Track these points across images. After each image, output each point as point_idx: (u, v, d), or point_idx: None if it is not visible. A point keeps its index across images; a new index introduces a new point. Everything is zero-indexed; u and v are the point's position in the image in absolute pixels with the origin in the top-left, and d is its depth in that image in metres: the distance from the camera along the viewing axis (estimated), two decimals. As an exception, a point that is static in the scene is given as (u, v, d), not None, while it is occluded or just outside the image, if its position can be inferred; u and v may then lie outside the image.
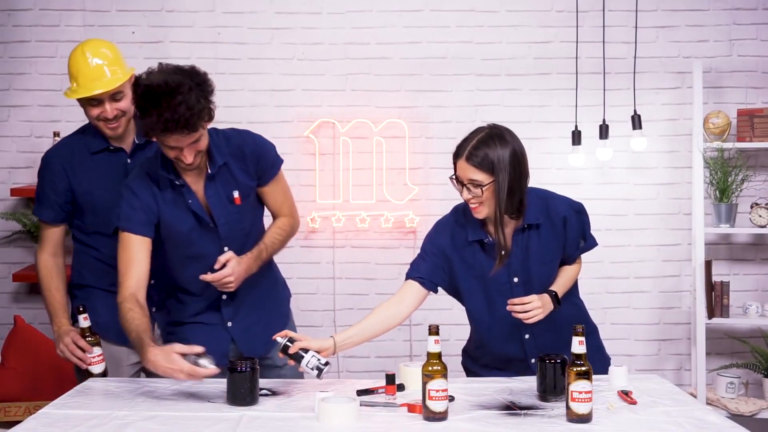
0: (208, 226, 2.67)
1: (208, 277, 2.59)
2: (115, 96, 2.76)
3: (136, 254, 2.59)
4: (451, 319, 4.12)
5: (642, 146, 4.33)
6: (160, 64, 2.54)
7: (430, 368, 2.23)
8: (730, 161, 4.28)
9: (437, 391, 2.22)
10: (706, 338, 4.23)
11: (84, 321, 2.69)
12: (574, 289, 2.75)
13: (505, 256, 2.57)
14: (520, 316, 2.53)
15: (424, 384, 2.24)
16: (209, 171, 2.64)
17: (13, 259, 4.43)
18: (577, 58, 4.40)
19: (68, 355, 2.71)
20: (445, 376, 2.23)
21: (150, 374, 2.95)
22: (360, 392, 2.48)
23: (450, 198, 4.42)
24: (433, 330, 2.25)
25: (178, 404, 2.41)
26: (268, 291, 2.89)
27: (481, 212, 2.53)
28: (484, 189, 2.47)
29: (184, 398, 2.48)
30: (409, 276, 2.67)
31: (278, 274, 2.98)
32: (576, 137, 4.33)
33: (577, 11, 4.40)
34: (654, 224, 4.50)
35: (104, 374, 2.72)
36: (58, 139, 3.87)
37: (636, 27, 4.39)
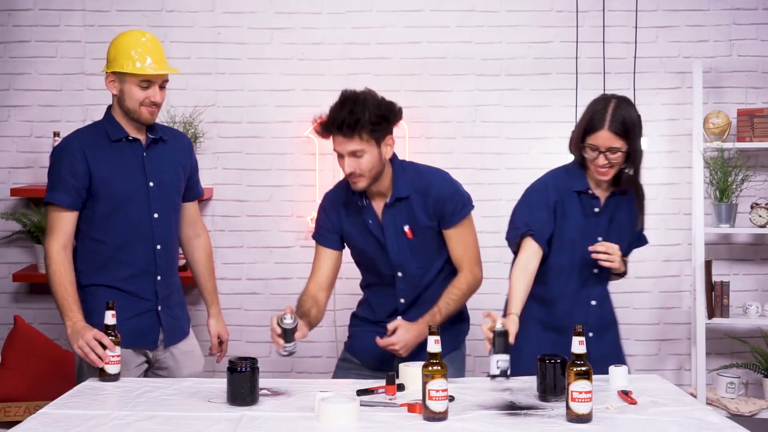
0: (383, 247, 2.86)
1: (381, 342, 2.74)
2: (162, 84, 2.91)
3: (320, 262, 2.92)
4: (451, 319, 4.12)
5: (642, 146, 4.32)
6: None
7: (430, 368, 2.23)
8: (730, 161, 4.28)
9: (437, 391, 2.23)
10: (706, 338, 4.22)
11: (111, 318, 2.65)
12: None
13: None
14: (600, 256, 2.76)
15: (424, 384, 2.24)
16: (388, 201, 2.84)
17: (13, 259, 4.42)
18: (577, 58, 4.40)
19: (87, 351, 2.63)
20: (445, 376, 2.24)
21: (155, 375, 2.96)
22: (360, 392, 2.48)
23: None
24: (433, 330, 2.26)
25: (178, 404, 2.42)
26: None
27: (611, 174, 2.80)
28: (622, 153, 2.76)
29: (184, 398, 2.48)
30: (533, 239, 2.81)
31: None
32: (576, 137, 4.33)
33: (577, 11, 4.40)
34: (654, 224, 4.48)
35: (117, 377, 2.65)
36: (58, 139, 3.87)
37: (636, 27, 4.39)
